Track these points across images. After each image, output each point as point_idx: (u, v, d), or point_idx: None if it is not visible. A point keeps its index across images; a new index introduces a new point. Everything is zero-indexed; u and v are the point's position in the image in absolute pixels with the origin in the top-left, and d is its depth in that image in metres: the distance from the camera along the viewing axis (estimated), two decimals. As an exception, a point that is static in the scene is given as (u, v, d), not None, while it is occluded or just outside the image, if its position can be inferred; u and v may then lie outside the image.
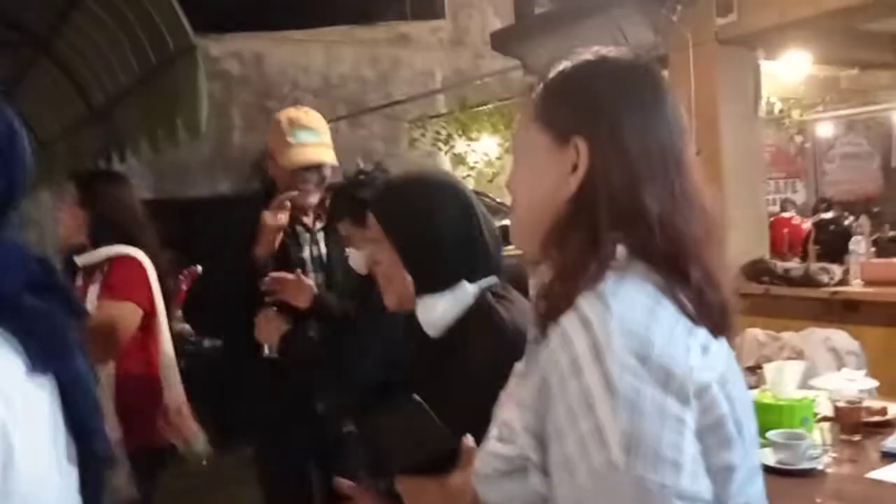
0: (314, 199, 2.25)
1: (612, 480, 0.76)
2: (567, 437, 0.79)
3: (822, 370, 2.87)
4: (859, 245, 3.94)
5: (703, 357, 0.84)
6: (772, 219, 5.05)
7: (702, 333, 0.86)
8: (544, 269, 0.91)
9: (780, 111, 6.73)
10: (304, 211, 2.28)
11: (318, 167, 2.22)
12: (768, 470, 1.87)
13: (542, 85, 0.98)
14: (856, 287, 3.76)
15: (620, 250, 0.87)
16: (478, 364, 1.23)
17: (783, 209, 10.50)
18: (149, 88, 3.38)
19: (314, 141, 2.22)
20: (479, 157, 8.21)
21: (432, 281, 1.31)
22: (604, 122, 0.90)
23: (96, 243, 2.41)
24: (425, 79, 9.58)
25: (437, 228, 1.31)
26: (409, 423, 1.11)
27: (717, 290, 0.89)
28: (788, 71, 5.29)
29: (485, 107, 8.13)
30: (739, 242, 4.34)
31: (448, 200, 1.35)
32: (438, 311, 1.30)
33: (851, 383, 2.23)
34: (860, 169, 11.55)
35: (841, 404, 2.06)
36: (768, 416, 2.06)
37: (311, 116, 2.27)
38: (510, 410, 0.92)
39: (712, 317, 0.88)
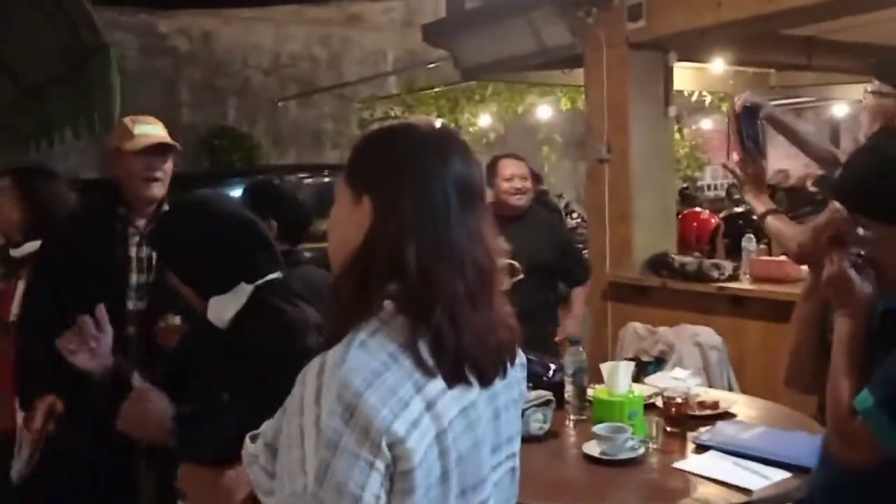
0: (160, 190, 2.34)
1: (304, 502, 0.93)
2: (283, 460, 0.98)
3: (689, 362, 3.13)
4: (750, 242, 4.19)
5: (426, 410, 0.97)
6: (681, 213, 5.27)
7: (434, 388, 0.98)
8: None
9: (710, 104, 6.99)
10: (145, 207, 2.34)
11: (162, 155, 2.32)
12: (594, 460, 2.13)
13: (353, 146, 1.14)
14: (741, 283, 4.01)
15: (388, 304, 1.01)
16: (257, 344, 1.55)
17: (728, 195, 10.81)
18: (69, 82, 3.50)
19: (159, 133, 2.36)
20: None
21: (210, 288, 1.63)
22: (385, 185, 1.04)
23: (29, 237, 2.54)
24: (376, 59, 9.66)
25: (202, 249, 1.63)
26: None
27: (465, 340, 1.01)
28: (713, 67, 5.52)
29: (432, 90, 8.27)
30: (647, 237, 4.58)
31: (213, 225, 1.67)
32: (221, 308, 1.62)
33: (680, 382, 2.47)
34: (798, 156, 11.90)
35: (666, 400, 2.30)
36: (604, 411, 2.30)
37: (151, 118, 2.41)
38: (272, 419, 1.13)
39: (453, 366, 1.00)
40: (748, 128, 2.31)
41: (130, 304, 2.29)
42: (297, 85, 9.33)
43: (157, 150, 2.32)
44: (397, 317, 0.99)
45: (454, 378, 1.00)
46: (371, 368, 0.95)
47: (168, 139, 2.36)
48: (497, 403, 1.09)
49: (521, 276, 3.57)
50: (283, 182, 4.43)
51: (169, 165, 2.36)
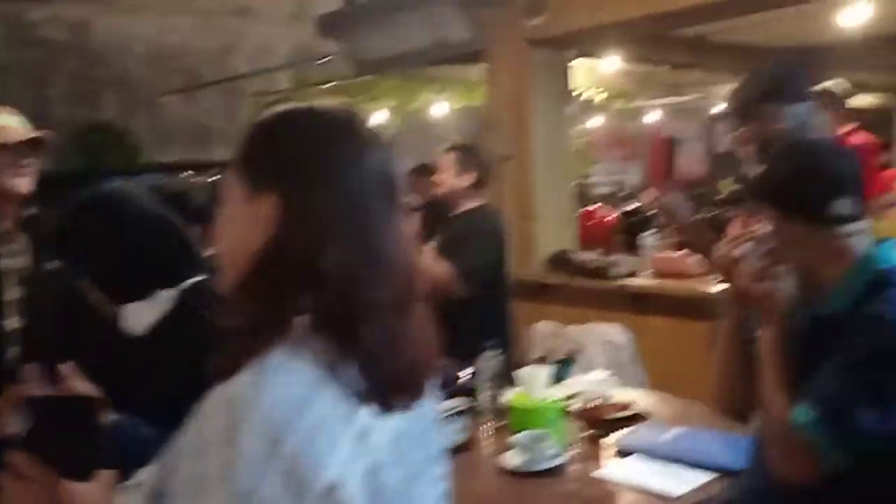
0: (28, 184, 2.10)
1: None
2: None
3: (597, 361, 3.11)
4: (650, 238, 4.25)
5: (357, 445, 0.82)
6: (580, 211, 5.31)
7: (364, 416, 0.84)
8: None
9: (603, 101, 7.12)
10: (9, 205, 2.11)
11: (30, 148, 2.09)
12: (513, 473, 2.04)
13: (246, 133, 0.95)
14: (641, 280, 4.05)
15: (301, 320, 0.84)
16: (178, 355, 1.38)
17: (618, 191, 11.12)
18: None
19: (23, 124, 2.13)
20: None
21: (125, 293, 1.49)
22: (293, 178, 0.88)
23: None
24: (267, 53, 9.33)
25: (119, 250, 1.49)
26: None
27: (400, 359, 0.87)
28: (606, 66, 5.58)
29: (325, 85, 8.04)
30: (549, 235, 4.58)
31: (131, 222, 1.51)
32: (138, 315, 1.48)
33: (596, 384, 2.43)
34: (688, 152, 12.46)
35: (584, 404, 2.25)
36: (522, 418, 2.22)
37: (12, 109, 2.17)
38: (157, 464, 0.93)
39: (387, 389, 0.86)
40: None
41: (8, 324, 2.03)
42: (181, 78, 8.87)
43: (23, 143, 2.08)
44: (315, 335, 0.83)
45: (387, 403, 0.86)
46: (294, 400, 0.79)
47: (34, 132, 2.12)
48: (424, 423, 0.96)
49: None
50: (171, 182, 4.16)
51: (36, 160, 2.12)
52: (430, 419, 0.99)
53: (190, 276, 1.50)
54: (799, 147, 1.63)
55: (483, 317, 3.20)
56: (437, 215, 3.37)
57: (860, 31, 5.00)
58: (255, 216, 0.87)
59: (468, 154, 3.23)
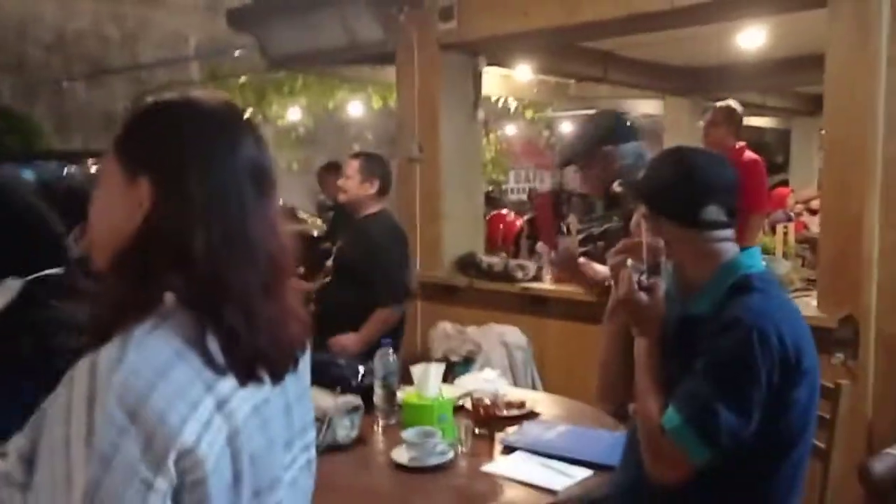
0: None
1: None
2: (43, 474, 0.83)
3: (496, 362, 3.17)
4: (551, 244, 4.35)
5: (216, 413, 0.88)
6: (489, 216, 5.40)
7: (225, 386, 0.90)
8: None
9: (515, 110, 7.25)
10: None
11: None
12: (402, 467, 2.06)
13: (125, 119, 1.00)
14: (542, 284, 4.15)
15: (169, 297, 0.90)
16: (23, 340, 1.37)
17: (530, 198, 11.35)
18: None
19: None
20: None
21: None
22: (168, 164, 0.93)
23: None
24: (177, 43, 9.08)
25: None
26: None
27: (260, 337, 0.93)
28: (518, 75, 5.70)
29: (238, 79, 7.89)
30: (456, 237, 4.63)
31: None
32: None
33: (488, 383, 2.48)
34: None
35: (475, 402, 2.29)
36: (413, 416, 2.25)
37: None
38: (26, 429, 0.95)
39: (247, 365, 0.93)
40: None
41: None
42: (85, 64, 8.54)
43: None
44: (180, 311, 0.90)
45: (247, 377, 0.93)
46: (154, 367, 0.85)
47: None
48: (288, 397, 1.03)
49: (328, 279, 3.49)
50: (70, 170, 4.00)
51: None
52: (296, 391, 1.05)
53: (49, 268, 1.48)
54: (679, 153, 1.72)
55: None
56: (343, 216, 3.44)
57: (756, 54, 5.29)
58: (129, 200, 0.93)
59: (372, 163, 3.42)
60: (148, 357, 0.86)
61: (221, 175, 0.94)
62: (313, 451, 1.10)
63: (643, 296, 1.59)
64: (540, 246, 3.21)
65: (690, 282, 1.62)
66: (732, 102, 4.48)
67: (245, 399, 0.93)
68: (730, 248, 1.62)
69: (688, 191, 1.60)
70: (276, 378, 0.98)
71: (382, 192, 3.41)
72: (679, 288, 1.64)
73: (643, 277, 1.61)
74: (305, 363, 1.09)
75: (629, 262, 1.63)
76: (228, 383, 0.91)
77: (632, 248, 1.62)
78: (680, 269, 1.63)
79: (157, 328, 0.88)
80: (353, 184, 3.36)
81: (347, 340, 3.22)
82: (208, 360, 0.89)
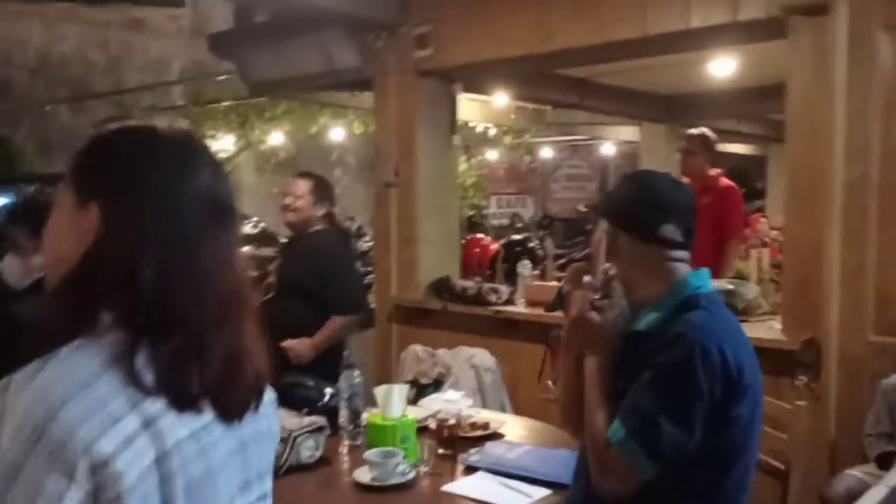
0: None
1: None
2: None
3: (465, 384, 3.20)
4: (525, 267, 4.40)
5: (143, 431, 0.86)
6: (465, 239, 5.44)
7: (154, 406, 0.88)
8: None
9: (495, 136, 7.34)
10: None
11: None
12: (364, 487, 2.09)
13: (80, 147, 1.01)
14: (515, 307, 4.19)
15: (105, 317, 0.90)
16: None
17: (512, 223, 11.41)
18: None
19: None
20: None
21: None
22: (118, 192, 0.93)
23: None
24: (161, 68, 9.13)
25: None
26: None
27: (207, 371, 0.92)
28: (496, 101, 5.78)
29: (221, 104, 7.94)
30: (432, 261, 4.66)
31: None
32: None
33: (452, 403, 2.51)
34: (582, 189, 12.96)
35: (439, 422, 2.32)
36: (376, 436, 2.27)
37: None
38: None
39: (185, 393, 0.90)
40: None
41: None
42: (68, 89, 8.57)
43: None
44: (114, 330, 0.89)
45: (183, 404, 0.91)
46: (75, 380, 0.85)
47: None
48: (242, 434, 1.00)
49: (272, 294, 3.58)
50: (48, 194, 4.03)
51: None
52: (253, 431, 1.02)
53: None
54: (641, 175, 1.84)
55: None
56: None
57: (728, 82, 5.39)
58: (78, 226, 0.93)
59: (323, 188, 3.60)
60: (67, 371, 0.86)
61: (174, 205, 0.94)
62: (270, 502, 1.07)
63: (595, 315, 1.65)
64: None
65: (640, 298, 1.67)
66: (705, 129, 4.57)
67: (179, 422, 0.90)
68: (682, 269, 1.67)
69: (648, 207, 1.67)
70: (228, 415, 0.96)
71: (329, 216, 3.61)
72: (628, 304, 1.69)
73: (595, 298, 1.67)
74: (268, 408, 1.06)
75: (586, 278, 1.69)
76: (158, 404, 0.89)
77: (576, 274, 1.70)
78: (630, 286, 1.69)
79: (85, 346, 0.88)
80: (306, 203, 3.51)
81: (300, 346, 3.32)
82: (133, 379, 0.87)
